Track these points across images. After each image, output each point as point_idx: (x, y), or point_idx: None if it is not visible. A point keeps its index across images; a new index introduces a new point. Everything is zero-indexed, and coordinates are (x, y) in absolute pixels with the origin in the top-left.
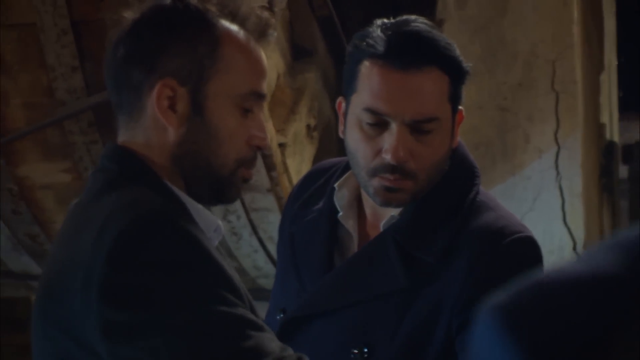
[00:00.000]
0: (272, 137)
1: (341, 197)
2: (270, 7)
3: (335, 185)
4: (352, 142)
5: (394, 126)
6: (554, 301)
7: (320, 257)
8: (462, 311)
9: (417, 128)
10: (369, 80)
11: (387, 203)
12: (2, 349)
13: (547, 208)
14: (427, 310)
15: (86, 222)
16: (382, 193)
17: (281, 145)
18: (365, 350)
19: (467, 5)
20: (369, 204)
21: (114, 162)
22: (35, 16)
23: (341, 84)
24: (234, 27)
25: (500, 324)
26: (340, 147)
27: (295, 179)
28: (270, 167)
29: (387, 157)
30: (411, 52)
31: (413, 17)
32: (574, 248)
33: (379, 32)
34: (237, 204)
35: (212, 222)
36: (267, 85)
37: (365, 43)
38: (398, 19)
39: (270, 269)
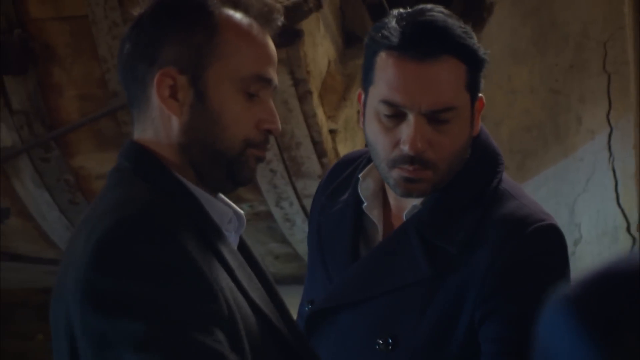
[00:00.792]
0: (323, 123)
1: (366, 187)
2: None
3: (360, 175)
4: (371, 134)
5: (411, 117)
6: (623, 290)
7: (346, 248)
8: (485, 301)
9: (434, 118)
10: (385, 72)
11: (407, 194)
12: None
13: (601, 190)
14: (450, 300)
15: (85, 221)
16: (402, 184)
17: (332, 132)
18: (390, 340)
19: None
20: (392, 194)
21: (127, 159)
22: (87, 9)
23: None
24: (235, 14)
25: (571, 315)
26: None
27: None
28: (321, 153)
29: (405, 148)
30: (426, 42)
31: (429, 6)
32: (628, 229)
33: (393, 23)
34: (290, 191)
35: (225, 213)
36: (318, 72)
37: (380, 34)
38: (414, 8)
39: None
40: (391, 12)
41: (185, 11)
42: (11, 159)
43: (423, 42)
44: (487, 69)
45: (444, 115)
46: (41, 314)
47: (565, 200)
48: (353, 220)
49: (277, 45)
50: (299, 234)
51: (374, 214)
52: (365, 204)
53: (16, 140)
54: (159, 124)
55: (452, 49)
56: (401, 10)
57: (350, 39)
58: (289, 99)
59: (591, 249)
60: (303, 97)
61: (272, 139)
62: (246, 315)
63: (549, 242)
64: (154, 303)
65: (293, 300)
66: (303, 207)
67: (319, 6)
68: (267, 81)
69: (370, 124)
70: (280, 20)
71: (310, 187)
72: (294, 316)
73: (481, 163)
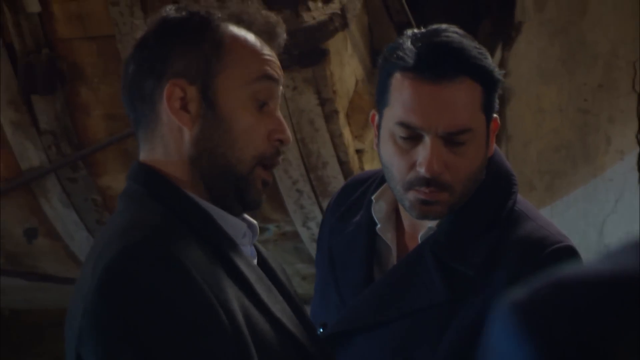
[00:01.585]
0: (349, 143)
1: (379, 209)
2: (343, 14)
3: (373, 197)
4: (387, 155)
5: (427, 139)
6: (572, 299)
7: (360, 271)
8: None
9: (450, 140)
10: (401, 94)
11: (423, 216)
12: None
13: (630, 210)
14: (468, 324)
15: (94, 247)
16: (418, 206)
17: (359, 152)
18: None
19: (546, 8)
20: (406, 215)
21: (137, 180)
22: (114, 28)
23: None
24: (239, 29)
25: (516, 320)
26: None
27: None
28: (347, 173)
29: (422, 170)
30: (442, 64)
31: (444, 26)
32: None
33: (408, 43)
34: (316, 211)
35: (239, 227)
36: (345, 92)
37: (395, 55)
38: (428, 28)
39: None
40: (405, 32)
41: (190, 26)
42: (39, 178)
43: (439, 63)
44: (516, 88)
45: (461, 137)
46: None
47: (594, 221)
48: (366, 243)
49: (303, 65)
50: None
51: (388, 237)
52: (378, 225)
53: (44, 160)
54: (169, 139)
55: (467, 70)
56: (415, 30)
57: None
58: (315, 118)
59: None
60: (329, 116)
61: (298, 158)
62: (262, 331)
63: (567, 262)
64: (156, 335)
65: None
66: None
67: (345, 25)
68: (274, 80)
69: (385, 145)
70: (283, 36)
71: None
72: None
73: (496, 184)
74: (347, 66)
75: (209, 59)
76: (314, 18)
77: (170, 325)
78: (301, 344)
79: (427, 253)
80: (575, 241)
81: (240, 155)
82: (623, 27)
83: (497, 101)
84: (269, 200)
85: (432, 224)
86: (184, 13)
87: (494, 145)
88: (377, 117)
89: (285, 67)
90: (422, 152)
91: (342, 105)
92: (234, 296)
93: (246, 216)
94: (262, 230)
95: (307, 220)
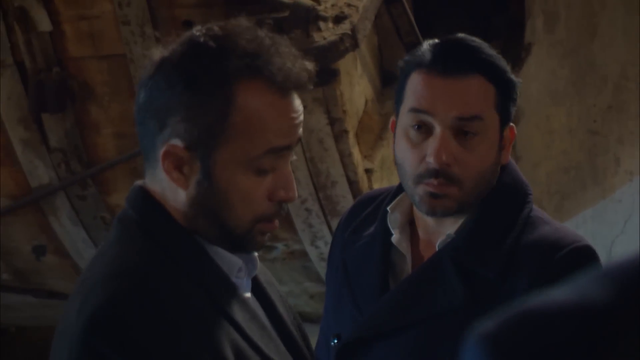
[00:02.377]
0: (359, 162)
1: (394, 219)
2: (353, 34)
3: (388, 208)
4: (400, 152)
5: (437, 130)
6: (539, 330)
7: (375, 280)
8: None
9: (461, 129)
10: (414, 86)
11: (432, 210)
12: None
13: (638, 231)
14: None
15: (82, 282)
16: (427, 200)
17: (368, 171)
18: None
19: (555, 29)
20: (422, 225)
21: (133, 207)
22: (125, 47)
23: None
24: (255, 87)
25: (485, 352)
26: None
27: None
28: (356, 193)
29: (430, 160)
30: (455, 59)
31: (463, 35)
32: None
33: (426, 46)
34: (325, 230)
35: (234, 263)
36: (355, 111)
37: (413, 57)
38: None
39: None
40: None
41: (201, 81)
42: (48, 196)
43: (452, 59)
44: (526, 109)
45: (471, 125)
46: None
47: (603, 242)
48: (381, 253)
49: (313, 85)
50: None
51: (403, 247)
52: (394, 236)
53: (53, 178)
54: (166, 187)
55: (481, 67)
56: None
57: (388, 79)
58: (325, 137)
59: None
60: (339, 136)
61: (307, 177)
62: None
63: (585, 263)
64: None
65: None
66: None
67: (355, 45)
68: (284, 149)
69: (399, 142)
70: (309, 86)
71: None
72: None
73: (512, 191)
74: (356, 86)
75: (213, 130)
76: (324, 38)
77: None
78: None
79: (445, 259)
80: None
81: (237, 222)
82: (633, 49)
83: (513, 109)
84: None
85: (451, 230)
86: (203, 56)
87: (510, 158)
88: (395, 121)
89: None
90: (432, 143)
91: (351, 125)
92: (226, 339)
93: None
94: (270, 249)
95: (315, 239)
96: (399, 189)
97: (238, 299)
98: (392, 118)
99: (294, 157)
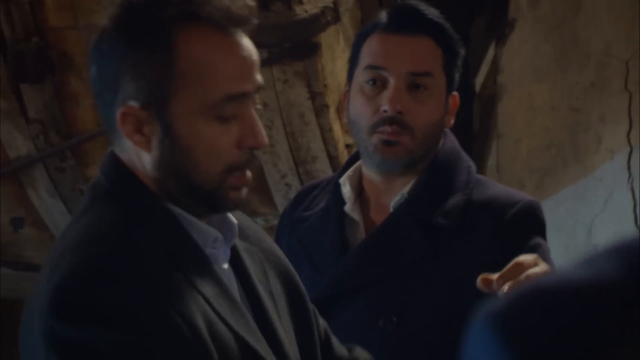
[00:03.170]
0: (339, 138)
1: (346, 191)
2: (335, 7)
3: (340, 180)
4: (354, 108)
5: (391, 82)
6: (551, 308)
7: (335, 246)
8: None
9: (413, 83)
10: (370, 47)
11: (385, 158)
12: None
13: (619, 210)
14: (452, 277)
15: (54, 249)
16: (380, 147)
17: (348, 147)
18: (394, 319)
19: (539, 5)
20: (373, 190)
21: (105, 175)
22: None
23: None
24: (196, 30)
25: (495, 331)
26: None
27: None
28: (337, 167)
29: (385, 107)
30: (408, 19)
31: (418, 1)
32: None
33: (383, 12)
34: None
35: (209, 234)
36: (337, 86)
37: (371, 22)
38: None
39: None
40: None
41: (141, 36)
42: (26, 167)
43: (405, 19)
44: (508, 85)
45: (422, 80)
46: None
47: (583, 220)
48: (337, 222)
49: (294, 58)
50: None
51: (356, 215)
52: (347, 204)
53: (31, 149)
54: (132, 153)
55: (430, 30)
56: None
57: None
58: (306, 112)
59: None
60: (320, 110)
61: (287, 151)
62: (227, 348)
63: (539, 215)
64: (115, 353)
65: None
66: None
67: (337, 19)
68: (243, 96)
69: (354, 100)
70: (251, 18)
71: None
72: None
73: (455, 155)
74: (338, 60)
75: (163, 82)
76: (306, 11)
77: (129, 342)
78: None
79: (403, 216)
80: (563, 240)
81: (206, 175)
82: (617, 25)
83: (457, 76)
84: (257, 193)
85: (404, 190)
86: (138, 14)
87: (450, 133)
88: (348, 90)
89: (276, 59)
90: (387, 94)
91: (332, 99)
92: (198, 310)
93: (228, 215)
94: None
95: None
96: (347, 166)
97: (210, 271)
98: (345, 89)
99: (259, 106)
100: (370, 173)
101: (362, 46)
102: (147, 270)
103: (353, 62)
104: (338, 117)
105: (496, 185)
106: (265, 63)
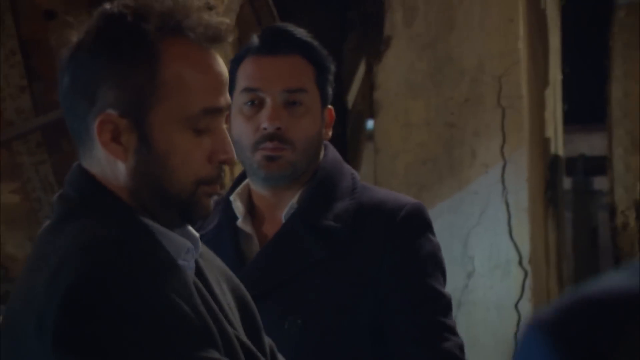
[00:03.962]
0: None
1: (237, 207)
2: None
3: (230, 197)
4: (235, 128)
5: (268, 101)
6: (599, 317)
7: (231, 259)
8: (388, 276)
9: (288, 100)
10: (245, 70)
11: (270, 173)
12: None
13: (494, 223)
14: (350, 278)
15: (43, 257)
16: (264, 164)
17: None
18: (299, 321)
19: (414, 23)
20: (263, 205)
21: (74, 189)
22: None
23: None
24: (178, 44)
25: (545, 340)
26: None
27: None
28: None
29: (265, 125)
30: (278, 41)
31: (286, 24)
32: (520, 262)
33: (254, 36)
34: None
35: (182, 245)
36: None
37: (244, 47)
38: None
39: None
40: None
41: (124, 45)
42: None
43: (276, 40)
44: (385, 102)
45: (297, 96)
46: None
47: (459, 233)
48: (231, 237)
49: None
50: None
51: (248, 228)
52: (240, 219)
53: None
54: (105, 165)
55: (300, 48)
56: None
57: None
58: None
59: (484, 281)
60: None
61: None
62: (231, 343)
63: (421, 215)
64: (138, 347)
65: None
66: None
67: None
68: (217, 111)
69: (234, 122)
70: (230, 34)
71: None
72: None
73: (338, 164)
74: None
75: (143, 91)
76: None
77: (143, 341)
78: None
79: (295, 223)
80: None
81: (180, 186)
82: (489, 42)
83: (330, 91)
84: None
85: (293, 200)
86: (118, 25)
87: (330, 145)
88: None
89: None
90: (264, 113)
91: None
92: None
93: (189, 228)
94: None
95: None
96: (236, 183)
97: (187, 283)
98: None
99: (226, 125)
100: (258, 189)
101: (238, 70)
102: (153, 269)
103: (230, 86)
104: None
105: (382, 190)
106: None
